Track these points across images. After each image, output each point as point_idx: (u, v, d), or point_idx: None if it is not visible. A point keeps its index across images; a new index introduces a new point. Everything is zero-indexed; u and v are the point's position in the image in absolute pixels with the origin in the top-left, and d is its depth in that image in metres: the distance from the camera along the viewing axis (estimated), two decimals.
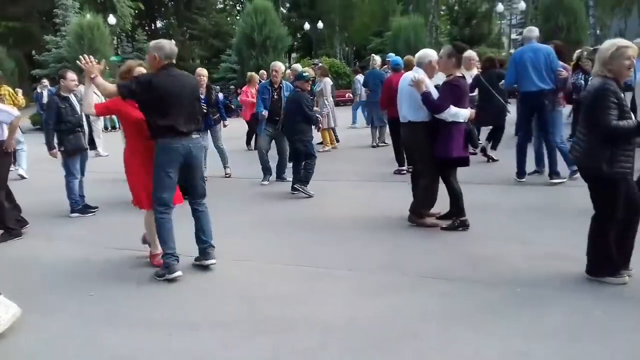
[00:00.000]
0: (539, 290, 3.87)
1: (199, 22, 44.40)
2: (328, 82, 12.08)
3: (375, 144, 11.75)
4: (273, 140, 8.38)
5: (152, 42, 4.61)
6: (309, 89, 8.28)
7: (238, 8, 50.07)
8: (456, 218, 5.48)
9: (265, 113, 8.15)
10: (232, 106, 23.96)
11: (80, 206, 6.89)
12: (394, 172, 8.52)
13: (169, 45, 4.49)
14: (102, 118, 14.92)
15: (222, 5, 51.53)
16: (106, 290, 4.35)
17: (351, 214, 6.26)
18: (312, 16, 38.67)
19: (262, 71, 12.61)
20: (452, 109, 5.27)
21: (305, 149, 7.39)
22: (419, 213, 5.72)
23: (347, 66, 30.11)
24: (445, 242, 5.10)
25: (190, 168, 4.55)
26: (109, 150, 12.27)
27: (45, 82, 16.71)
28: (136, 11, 40.58)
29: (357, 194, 7.40)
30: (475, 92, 8.76)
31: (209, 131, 8.44)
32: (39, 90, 16.52)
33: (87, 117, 6.99)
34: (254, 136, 11.43)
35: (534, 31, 7.31)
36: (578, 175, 7.01)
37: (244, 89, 12.54)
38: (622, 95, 3.73)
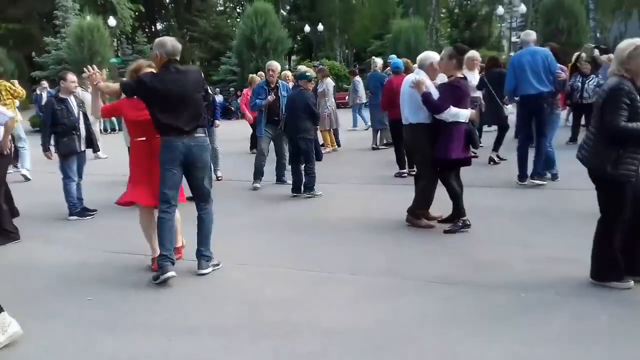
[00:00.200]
0: (543, 295, 3.82)
1: (199, 24, 44.31)
2: (330, 83, 12.08)
3: (375, 146, 11.73)
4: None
5: (156, 40, 4.57)
6: (312, 88, 8.23)
7: (238, 10, 50.08)
8: (457, 219, 5.45)
9: (265, 101, 7.91)
10: (232, 108, 23.98)
11: (78, 209, 6.84)
12: (395, 175, 8.48)
13: (171, 42, 4.43)
14: (99, 120, 14.93)
15: (222, 8, 51.48)
16: (105, 295, 4.30)
17: (352, 217, 6.21)
18: (313, 18, 38.68)
19: (260, 72, 12.56)
20: (452, 109, 5.25)
21: (307, 148, 7.36)
22: (415, 214, 5.71)
23: (348, 69, 30.06)
24: (447, 246, 5.05)
25: (192, 167, 4.48)
26: (108, 152, 12.20)
27: (45, 83, 16.66)
28: (136, 13, 40.57)
29: (358, 197, 7.35)
30: (479, 93, 8.72)
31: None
32: (38, 92, 16.48)
33: (85, 119, 6.94)
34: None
35: (531, 34, 7.30)
36: (559, 178, 7.16)
37: (244, 91, 12.48)
38: (638, 96, 3.65)
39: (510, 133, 9.27)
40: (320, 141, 11.11)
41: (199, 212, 4.64)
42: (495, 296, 3.87)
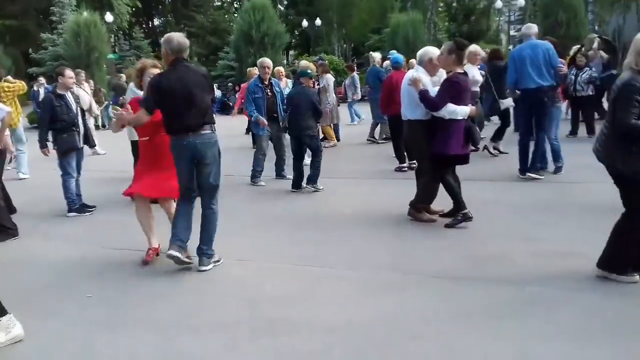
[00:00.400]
0: (547, 290, 3.78)
1: (197, 19, 44.20)
2: (330, 78, 12.02)
3: (370, 138, 11.82)
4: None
5: (165, 36, 4.55)
6: (313, 85, 8.15)
7: (235, 5, 49.92)
8: (457, 212, 5.41)
9: (263, 120, 7.74)
10: (230, 104, 23.88)
11: (77, 205, 6.78)
12: (395, 169, 8.44)
13: (177, 38, 4.40)
14: (94, 116, 14.91)
15: (219, 3, 51.31)
16: (105, 292, 4.25)
17: (353, 212, 6.17)
18: (310, 13, 38.58)
19: (250, 69, 12.33)
20: (450, 106, 5.20)
21: (314, 143, 7.33)
22: (417, 207, 5.68)
23: (346, 63, 30.00)
24: (449, 241, 5.01)
25: (199, 164, 4.47)
26: (105, 148, 12.16)
27: (42, 80, 16.56)
28: (133, 9, 40.43)
29: (358, 192, 7.30)
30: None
31: None
32: (35, 88, 16.37)
33: (83, 115, 6.90)
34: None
35: (532, 28, 7.22)
36: (562, 172, 7.13)
37: (243, 86, 12.40)
38: None
39: (511, 127, 9.25)
40: (320, 135, 11.04)
41: (204, 210, 4.59)
42: (499, 291, 3.83)
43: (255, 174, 8.05)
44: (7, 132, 6.37)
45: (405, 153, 8.31)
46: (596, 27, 34.80)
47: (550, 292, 3.75)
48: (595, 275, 3.91)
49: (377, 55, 12.37)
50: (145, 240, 4.91)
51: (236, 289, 4.20)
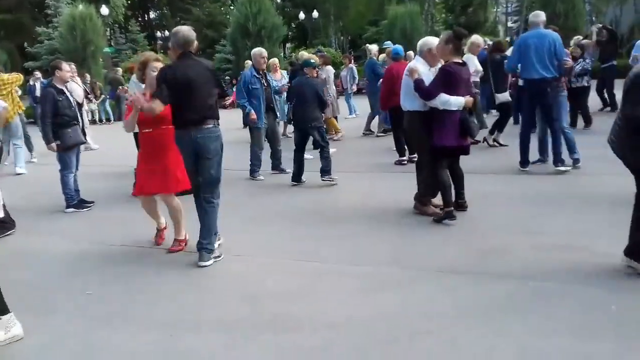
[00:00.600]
0: (550, 284, 3.76)
1: (193, 12, 43.91)
2: (331, 70, 11.97)
3: (366, 132, 11.83)
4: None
5: (173, 30, 4.56)
6: (316, 75, 8.05)
7: None
8: (443, 208, 5.34)
9: (254, 116, 7.64)
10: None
11: (75, 201, 6.74)
12: (395, 162, 8.39)
13: (182, 32, 4.42)
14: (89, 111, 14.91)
15: None
16: (104, 289, 4.22)
17: (353, 207, 6.14)
18: (307, 5, 38.35)
19: (247, 61, 12.25)
20: (443, 96, 5.14)
21: (320, 135, 7.27)
22: (422, 201, 5.65)
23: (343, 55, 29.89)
24: (450, 235, 4.99)
25: (200, 158, 4.49)
26: (102, 143, 12.10)
27: (38, 74, 16.45)
28: (129, 2, 40.16)
29: (359, 186, 7.26)
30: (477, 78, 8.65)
31: None
32: (31, 82, 16.27)
33: (79, 108, 6.85)
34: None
35: (540, 16, 7.01)
36: (581, 163, 7.02)
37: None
38: None
39: (511, 119, 9.22)
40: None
41: (205, 204, 4.58)
42: (502, 285, 3.81)
43: (254, 168, 8.00)
44: None
45: (405, 146, 8.27)
46: (593, 18, 34.70)
47: (552, 286, 3.73)
48: (596, 269, 3.89)
49: (373, 48, 12.30)
50: (146, 235, 4.87)
51: (237, 285, 4.17)
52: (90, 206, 6.80)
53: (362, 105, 13.97)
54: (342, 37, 42.05)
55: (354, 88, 14.60)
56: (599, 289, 3.64)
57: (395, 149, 8.54)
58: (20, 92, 10.68)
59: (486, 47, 10.09)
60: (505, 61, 8.68)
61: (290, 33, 41.20)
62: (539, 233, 4.79)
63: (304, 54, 11.32)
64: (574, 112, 10.65)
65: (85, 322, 3.67)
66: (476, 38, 8.44)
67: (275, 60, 10.74)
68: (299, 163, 7.39)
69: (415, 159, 7.86)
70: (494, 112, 10.89)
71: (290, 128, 12.37)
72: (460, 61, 5.33)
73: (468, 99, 5.27)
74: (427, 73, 5.41)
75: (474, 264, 4.24)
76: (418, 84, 5.26)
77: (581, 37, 11.07)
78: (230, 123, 13.59)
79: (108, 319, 3.70)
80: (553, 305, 3.47)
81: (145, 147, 4.96)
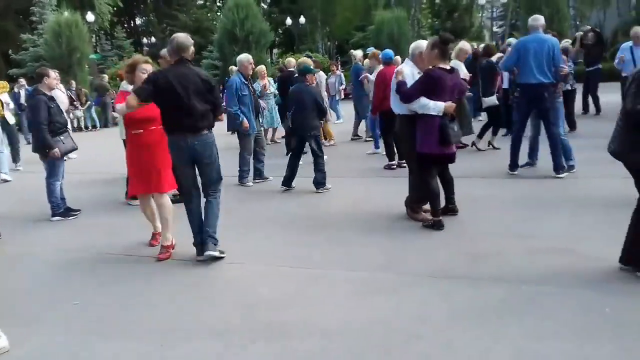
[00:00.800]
0: (544, 287, 3.74)
1: (179, 18, 43.76)
2: (323, 75, 11.97)
3: (354, 137, 11.81)
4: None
5: (171, 37, 4.65)
6: (315, 82, 7.99)
7: (218, 4, 49.53)
8: (431, 219, 5.27)
9: (247, 125, 7.56)
10: None
11: (61, 209, 6.63)
12: (385, 167, 8.37)
13: (177, 39, 4.50)
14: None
15: (202, 1, 50.87)
16: (92, 298, 4.14)
17: (344, 212, 6.10)
18: (294, 11, 38.39)
19: (231, 67, 12.19)
20: (422, 100, 5.08)
21: (318, 146, 7.21)
22: (412, 207, 5.61)
23: (330, 61, 29.94)
24: (442, 239, 4.96)
25: (199, 163, 4.63)
26: (88, 150, 11.94)
27: (23, 81, 16.26)
28: (115, 8, 39.87)
29: (349, 191, 7.22)
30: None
31: None
32: (16, 89, 16.06)
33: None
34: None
35: (539, 19, 6.94)
36: (575, 169, 7.02)
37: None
38: None
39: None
40: None
41: (208, 197, 4.74)
42: (495, 289, 3.79)
43: (243, 174, 7.93)
44: None
45: (395, 150, 8.25)
46: (577, 22, 35.13)
47: (546, 289, 3.71)
48: (589, 272, 3.89)
49: (358, 53, 12.41)
50: (133, 243, 4.80)
51: (229, 292, 4.11)
52: (76, 214, 6.70)
53: (347, 110, 14.01)
54: (329, 43, 42.14)
55: (342, 94, 14.60)
56: (593, 291, 3.63)
57: (385, 153, 8.51)
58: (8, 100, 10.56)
59: (476, 50, 10.16)
60: (497, 64, 8.78)
61: (277, 39, 41.15)
62: (531, 236, 4.78)
63: (292, 60, 11.33)
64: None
65: (73, 333, 3.59)
66: (464, 44, 8.42)
67: (262, 67, 10.70)
68: (292, 168, 7.33)
69: (404, 165, 7.87)
70: (480, 117, 10.96)
71: (278, 134, 12.40)
72: (447, 67, 5.20)
73: (448, 104, 5.09)
74: (413, 76, 5.38)
75: (467, 268, 4.21)
76: (399, 86, 5.25)
77: (570, 41, 11.16)
78: (217, 128, 13.53)
79: (96, 329, 3.62)
80: (548, 308, 3.45)
81: (136, 148, 4.98)
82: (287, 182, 7.37)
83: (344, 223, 5.67)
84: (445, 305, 3.62)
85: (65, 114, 6.81)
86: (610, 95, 11.23)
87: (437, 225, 5.19)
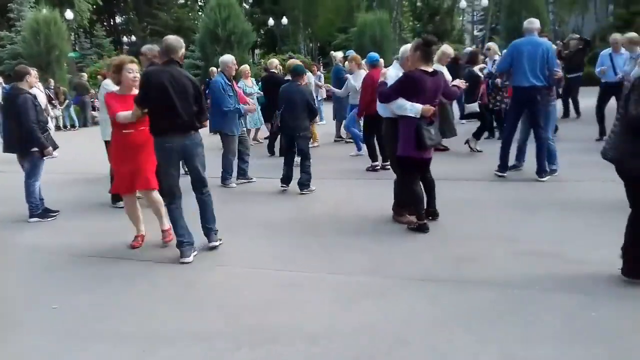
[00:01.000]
0: (530, 291, 3.74)
1: (160, 17, 43.43)
2: (311, 76, 11.94)
3: (337, 138, 11.76)
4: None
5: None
6: (306, 83, 7.93)
7: (200, 3, 49.20)
8: (416, 222, 5.25)
9: (252, 107, 7.63)
10: None
11: (40, 210, 6.47)
12: (367, 169, 8.34)
13: (165, 40, 4.64)
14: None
15: (183, 1, 50.49)
16: (71, 302, 4.03)
17: (329, 214, 6.05)
18: (276, 12, 38.27)
19: (212, 68, 12.17)
20: (399, 101, 5.06)
21: (306, 147, 7.15)
22: (397, 211, 5.59)
23: (312, 62, 29.89)
24: (428, 242, 4.93)
25: (189, 162, 4.79)
26: (66, 150, 11.69)
27: (0, 79, 15.94)
28: (94, 6, 39.38)
29: (333, 192, 7.15)
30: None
31: None
32: None
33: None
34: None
35: (534, 23, 6.92)
36: (558, 173, 7.07)
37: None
38: None
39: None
40: None
41: (201, 195, 4.90)
42: (482, 293, 3.78)
43: (226, 176, 7.84)
44: None
45: (377, 152, 8.24)
46: (557, 27, 35.60)
47: (533, 293, 3.71)
48: (575, 276, 3.90)
49: (338, 55, 12.48)
50: (113, 246, 4.70)
51: (213, 296, 4.04)
52: (55, 215, 6.54)
53: (327, 111, 13.99)
54: (311, 44, 42.08)
55: (324, 94, 14.61)
56: (579, 295, 3.64)
57: (368, 154, 8.48)
58: None
59: (456, 54, 10.22)
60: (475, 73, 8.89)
61: (259, 39, 41.00)
62: (516, 240, 4.79)
63: (274, 60, 11.26)
64: None
65: (52, 338, 3.49)
66: (446, 48, 8.40)
67: (246, 67, 10.68)
68: (288, 166, 7.27)
69: (388, 167, 7.85)
70: (463, 122, 10.98)
71: (260, 134, 12.33)
72: (430, 69, 5.10)
73: (426, 107, 5.00)
74: (392, 77, 5.36)
75: (453, 272, 4.19)
76: (379, 86, 5.25)
77: (560, 43, 11.28)
78: (201, 130, 13.41)
79: (76, 334, 3.52)
80: (534, 312, 3.44)
81: (125, 147, 4.99)
82: (286, 180, 7.30)
83: (328, 225, 5.63)
84: (431, 309, 3.60)
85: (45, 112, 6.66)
86: (589, 100, 11.38)
87: (422, 228, 5.17)
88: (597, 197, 5.88)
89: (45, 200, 6.64)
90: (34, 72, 6.61)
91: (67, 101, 18.93)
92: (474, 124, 9.48)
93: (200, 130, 4.83)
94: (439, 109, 5.54)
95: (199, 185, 4.88)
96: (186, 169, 4.97)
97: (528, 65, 6.64)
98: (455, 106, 12.54)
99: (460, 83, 5.96)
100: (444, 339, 3.19)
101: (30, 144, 6.22)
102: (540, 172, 6.90)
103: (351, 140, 11.21)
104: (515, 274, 4.06)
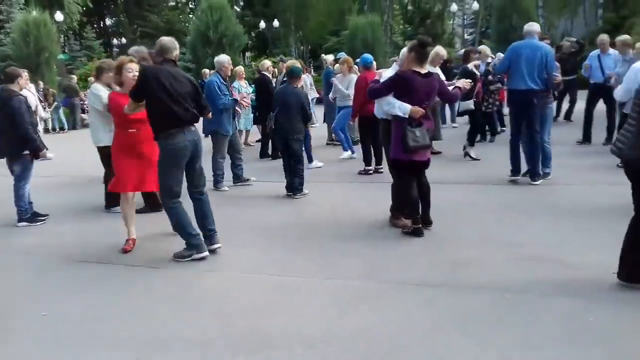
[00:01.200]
0: (527, 295, 3.72)
1: (151, 19, 43.18)
2: (306, 78, 11.92)
3: (329, 142, 11.71)
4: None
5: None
6: (302, 85, 7.89)
7: (191, 5, 49.05)
8: (411, 226, 5.21)
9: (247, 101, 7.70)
10: None
11: (29, 214, 6.38)
12: (359, 172, 8.28)
13: (160, 41, 4.69)
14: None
15: (174, 3, 50.29)
16: (62, 308, 3.95)
17: (322, 218, 6.01)
18: (267, 14, 38.24)
19: (205, 70, 12.19)
20: (389, 98, 5.05)
21: (299, 150, 7.10)
22: (394, 215, 5.56)
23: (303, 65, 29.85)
24: (424, 246, 4.91)
25: (193, 160, 4.78)
26: (55, 152, 11.56)
27: None
28: (84, 8, 39.10)
29: (328, 196, 7.10)
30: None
31: None
32: None
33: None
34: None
35: (534, 26, 6.91)
36: (551, 176, 7.06)
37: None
38: None
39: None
40: None
41: (199, 197, 4.89)
42: (479, 297, 3.76)
43: (218, 179, 7.76)
44: None
45: (372, 155, 8.20)
46: (546, 31, 35.82)
47: (530, 297, 3.69)
48: (572, 280, 3.89)
49: (329, 57, 12.49)
50: (102, 250, 4.63)
51: (207, 301, 3.98)
52: (44, 219, 6.45)
53: (318, 115, 13.91)
54: (302, 47, 42.05)
55: (316, 95, 14.61)
56: (576, 299, 3.63)
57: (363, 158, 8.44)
58: None
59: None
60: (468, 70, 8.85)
61: (250, 42, 40.92)
62: (512, 244, 4.77)
63: (266, 62, 11.21)
64: None
65: (42, 345, 3.42)
66: (440, 49, 8.39)
67: (241, 68, 10.72)
68: (288, 172, 7.20)
69: (381, 170, 7.83)
70: (456, 124, 10.99)
71: (252, 137, 12.27)
72: (423, 71, 5.05)
73: (415, 109, 4.94)
74: (386, 78, 5.37)
75: (450, 276, 4.17)
76: (372, 83, 5.27)
77: (555, 45, 11.34)
78: None
79: (67, 340, 3.46)
80: (532, 316, 3.42)
81: (132, 146, 5.06)
82: (291, 187, 7.18)
83: (322, 229, 5.59)
84: (428, 313, 3.58)
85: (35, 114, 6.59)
86: (579, 103, 11.46)
87: (416, 233, 5.14)
88: (591, 201, 5.89)
89: (34, 204, 6.54)
90: (25, 74, 6.55)
91: (55, 103, 18.75)
92: (467, 128, 9.46)
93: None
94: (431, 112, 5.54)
95: (198, 183, 4.88)
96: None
97: (526, 69, 6.62)
98: (447, 111, 12.62)
99: (465, 83, 5.91)
100: (441, 343, 3.17)
101: (23, 147, 6.13)
102: (534, 175, 6.89)
103: (338, 143, 11.17)
104: (512, 277, 4.04)
